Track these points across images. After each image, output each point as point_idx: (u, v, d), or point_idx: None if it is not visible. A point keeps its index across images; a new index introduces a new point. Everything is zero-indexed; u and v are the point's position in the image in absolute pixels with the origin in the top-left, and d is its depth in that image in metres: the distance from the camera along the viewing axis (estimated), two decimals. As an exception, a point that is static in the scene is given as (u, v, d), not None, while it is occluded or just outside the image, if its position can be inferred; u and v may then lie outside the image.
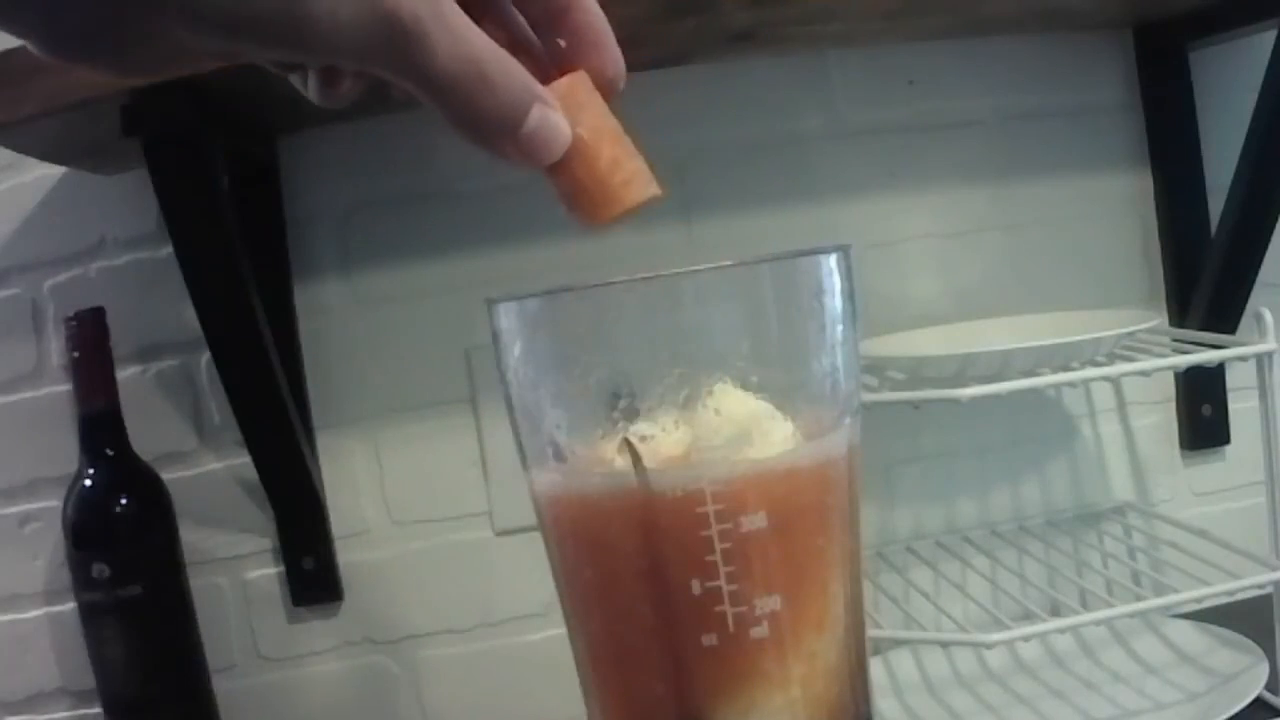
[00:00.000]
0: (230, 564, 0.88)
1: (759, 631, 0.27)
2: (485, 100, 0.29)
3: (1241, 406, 0.98)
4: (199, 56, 0.30)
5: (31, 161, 0.84)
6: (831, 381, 0.29)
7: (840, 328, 0.29)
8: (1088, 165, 0.96)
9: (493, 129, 0.30)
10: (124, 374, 0.83)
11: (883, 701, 0.84)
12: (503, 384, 0.29)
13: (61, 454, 0.83)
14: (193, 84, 0.66)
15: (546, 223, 0.82)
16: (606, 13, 0.33)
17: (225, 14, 0.27)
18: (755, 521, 0.26)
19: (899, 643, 0.87)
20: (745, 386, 0.27)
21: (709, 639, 0.27)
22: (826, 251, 0.30)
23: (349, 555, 0.89)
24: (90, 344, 0.78)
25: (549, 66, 0.32)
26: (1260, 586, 0.74)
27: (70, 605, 0.82)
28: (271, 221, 0.86)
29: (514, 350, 0.29)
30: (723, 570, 0.26)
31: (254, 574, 0.89)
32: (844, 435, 0.29)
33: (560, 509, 0.29)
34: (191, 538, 0.85)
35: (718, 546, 0.26)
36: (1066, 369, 0.75)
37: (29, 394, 0.87)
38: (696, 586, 0.27)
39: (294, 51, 0.28)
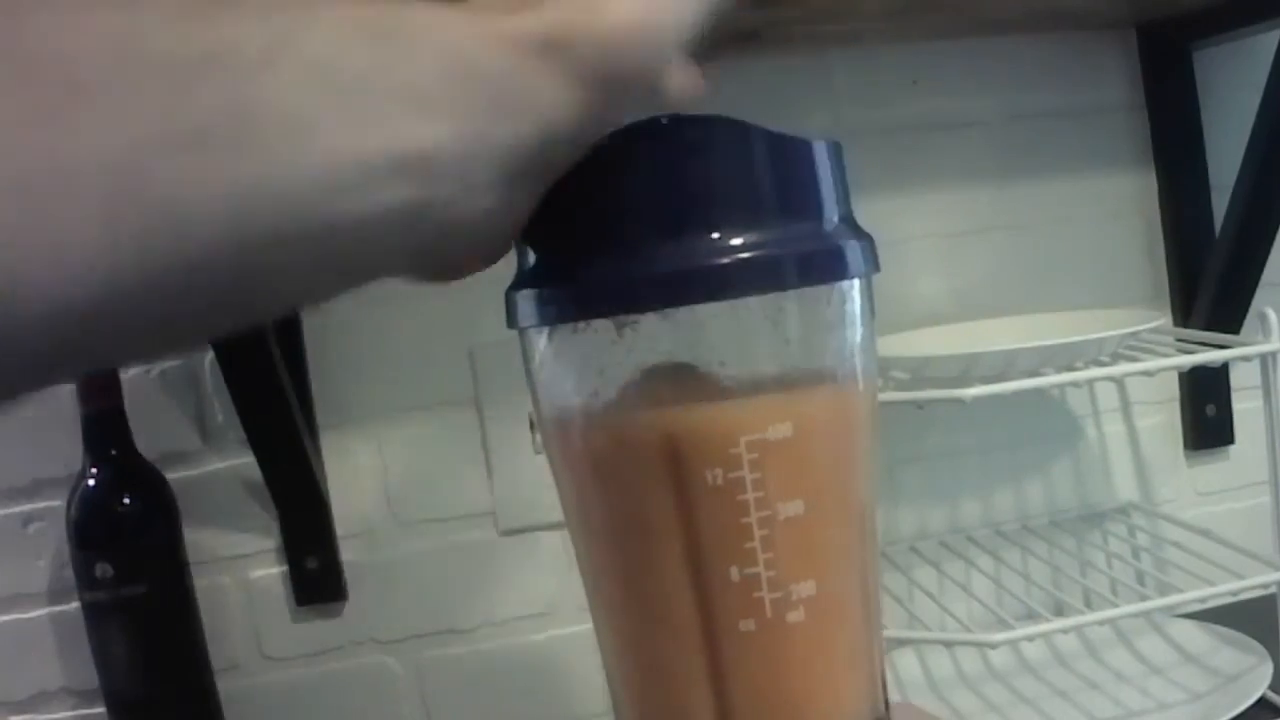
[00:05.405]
0: (234, 563, 0.88)
1: (795, 616, 0.27)
2: None
3: (1245, 406, 0.97)
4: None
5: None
6: (855, 372, 0.30)
7: (860, 325, 0.30)
8: (1091, 165, 0.96)
9: None
10: (128, 374, 0.83)
11: (886, 701, 0.84)
12: (528, 379, 0.30)
13: (65, 454, 0.83)
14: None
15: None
16: None
17: None
18: (793, 508, 0.27)
19: (903, 642, 0.87)
20: (770, 375, 0.28)
21: (746, 625, 0.27)
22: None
23: (353, 555, 0.89)
24: (94, 344, 0.78)
25: None
26: (1264, 586, 0.74)
27: (74, 605, 0.82)
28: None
29: (539, 344, 0.29)
30: (761, 556, 0.27)
31: (258, 574, 0.89)
32: (868, 421, 0.30)
33: (592, 500, 0.30)
34: (195, 537, 0.85)
35: (756, 534, 0.27)
36: (1070, 369, 0.75)
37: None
38: (735, 573, 0.27)
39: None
